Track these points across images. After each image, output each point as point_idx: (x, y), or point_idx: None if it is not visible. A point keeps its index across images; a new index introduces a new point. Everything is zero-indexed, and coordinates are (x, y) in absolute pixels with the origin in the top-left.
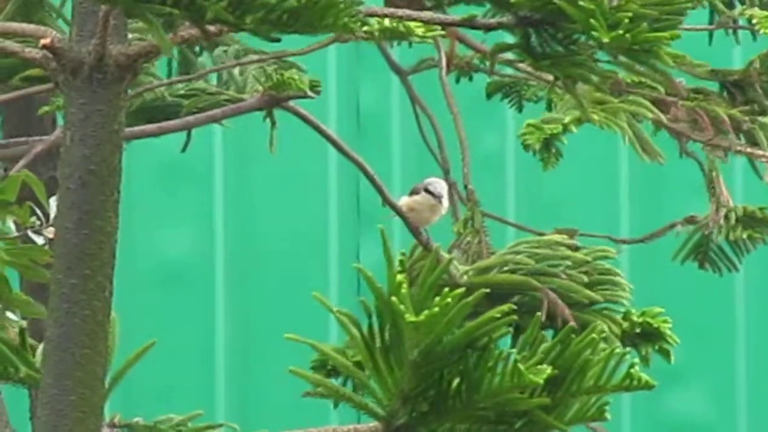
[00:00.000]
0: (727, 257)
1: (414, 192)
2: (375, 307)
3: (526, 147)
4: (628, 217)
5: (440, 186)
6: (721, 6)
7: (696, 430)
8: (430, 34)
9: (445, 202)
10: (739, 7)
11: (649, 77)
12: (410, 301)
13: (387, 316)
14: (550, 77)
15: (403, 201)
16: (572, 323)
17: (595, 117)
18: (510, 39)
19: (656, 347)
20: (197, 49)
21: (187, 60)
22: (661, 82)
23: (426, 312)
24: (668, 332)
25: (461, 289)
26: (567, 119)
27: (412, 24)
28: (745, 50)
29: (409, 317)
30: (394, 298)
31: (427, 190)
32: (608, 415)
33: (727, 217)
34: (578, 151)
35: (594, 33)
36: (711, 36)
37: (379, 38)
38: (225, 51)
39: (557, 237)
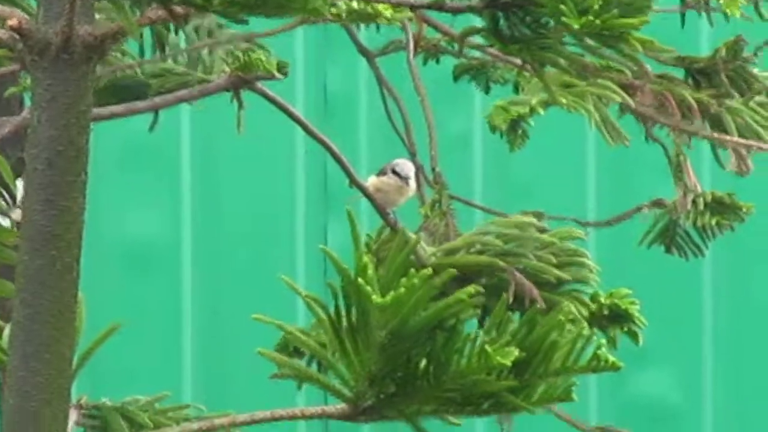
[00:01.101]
0: (694, 242)
1: (382, 172)
2: (341, 288)
3: (492, 128)
4: (594, 200)
5: (407, 167)
6: None
7: (662, 411)
8: (398, 16)
9: (412, 183)
10: None
11: (616, 61)
12: (377, 282)
13: (353, 297)
14: (518, 60)
15: (371, 181)
16: (540, 303)
17: (563, 100)
18: (478, 22)
19: (624, 329)
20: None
21: (161, 38)
22: (629, 66)
23: (392, 293)
24: (636, 314)
25: (428, 270)
26: (534, 101)
27: (380, 6)
28: (714, 35)
29: (376, 299)
30: (360, 280)
31: (394, 171)
32: (575, 397)
33: (695, 203)
34: (545, 134)
35: (563, 18)
36: (683, 18)
37: (347, 20)
38: (196, 29)
39: (525, 218)
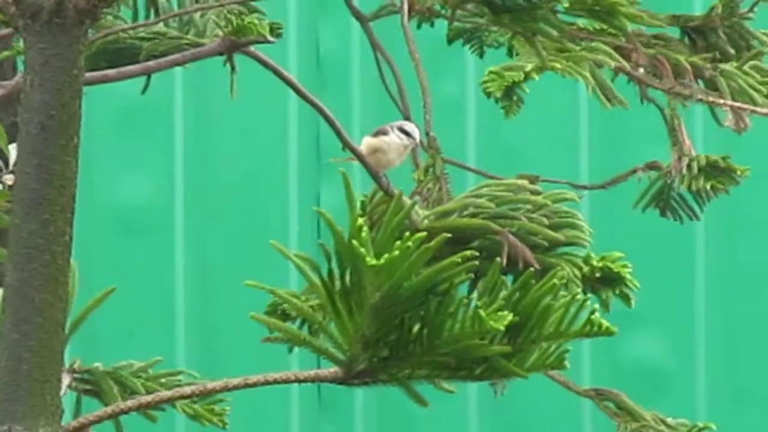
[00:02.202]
0: (689, 206)
1: (381, 132)
2: (335, 250)
3: (487, 94)
4: (587, 163)
5: (413, 128)
6: None
7: (655, 374)
8: None
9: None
10: None
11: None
12: (371, 244)
13: (347, 259)
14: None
15: (367, 142)
16: (534, 265)
17: (558, 65)
18: None
19: (616, 292)
20: None
21: (153, 2)
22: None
23: (387, 255)
24: (628, 276)
25: (422, 233)
26: (529, 67)
27: None
28: None
29: (370, 260)
30: (354, 242)
31: (403, 131)
32: (567, 364)
33: (689, 167)
34: (538, 98)
35: None
36: None
37: None
38: None
39: (518, 181)
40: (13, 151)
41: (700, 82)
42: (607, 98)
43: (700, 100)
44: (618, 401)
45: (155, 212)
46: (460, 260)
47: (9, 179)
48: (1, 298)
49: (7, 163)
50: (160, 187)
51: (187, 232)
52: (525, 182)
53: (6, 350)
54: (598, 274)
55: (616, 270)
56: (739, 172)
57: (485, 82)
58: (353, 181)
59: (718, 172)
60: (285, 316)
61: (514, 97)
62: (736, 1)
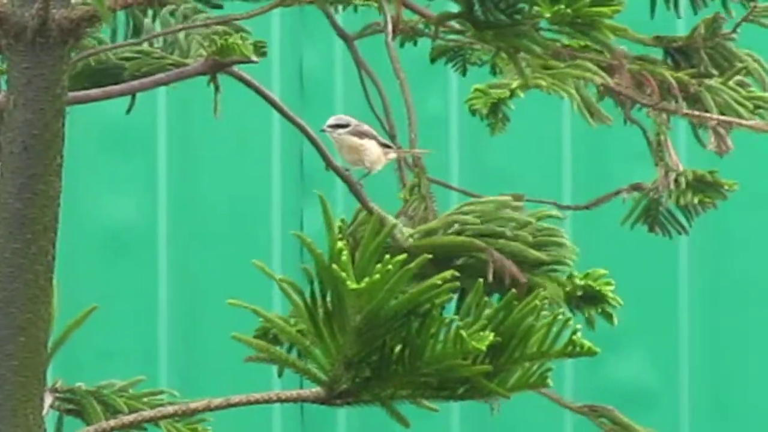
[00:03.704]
0: (677, 221)
1: (362, 134)
2: (317, 273)
3: (473, 112)
4: (570, 183)
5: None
6: None
7: (638, 395)
8: None
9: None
10: None
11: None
12: (352, 267)
13: (328, 283)
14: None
15: (352, 140)
16: (523, 281)
17: (542, 82)
18: (454, 6)
19: (599, 310)
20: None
21: (136, 21)
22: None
23: (367, 279)
24: (611, 295)
25: (403, 255)
26: (514, 84)
27: None
28: (689, 14)
29: (351, 284)
30: (334, 265)
31: (383, 145)
32: (550, 382)
33: (677, 181)
34: (522, 117)
35: (535, 8)
36: (653, 7)
37: (322, 3)
38: (172, 13)
39: (502, 198)
40: None
41: (685, 100)
42: (591, 115)
43: (686, 114)
44: (612, 417)
45: (139, 232)
46: (440, 282)
47: None
48: None
49: None
50: (143, 206)
51: (170, 252)
52: (509, 199)
53: None
54: (580, 293)
55: (598, 288)
56: (726, 187)
57: (471, 99)
58: (336, 200)
59: (705, 187)
60: (276, 340)
61: (500, 115)
62: (718, 23)
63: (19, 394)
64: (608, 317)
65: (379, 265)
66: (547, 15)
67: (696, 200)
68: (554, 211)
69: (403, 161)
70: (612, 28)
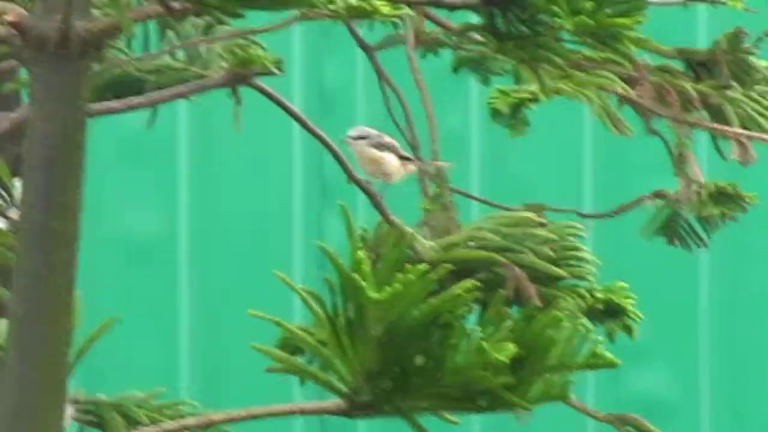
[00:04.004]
0: (696, 233)
1: (382, 146)
2: (338, 284)
3: (493, 113)
4: (591, 194)
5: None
6: None
7: (659, 407)
8: (396, 12)
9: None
10: None
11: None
12: (373, 277)
13: (349, 293)
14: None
15: (370, 151)
16: (536, 301)
17: (565, 87)
18: (476, 17)
19: (620, 323)
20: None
21: (172, 29)
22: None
23: (388, 288)
24: (631, 308)
25: (424, 265)
26: (536, 88)
27: (377, 2)
28: (711, 27)
29: (371, 294)
30: (355, 275)
31: (403, 157)
32: (571, 394)
33: (698, 194)
34: (542, 126)
35: (556, 19)
36: (684, 8)
37: (345, 17)
38: (193, 25)
39: (524, 214)
40: (17, 185)
41: (707, 111)
42: (613, 124)
43: (707, 126)
44: (639, 426)
45: (159, 243)
46: (461, 291)
47: (14, 213)
48: (4, 330)
49: (11, 198)
50: (164, 218)
51: (191, 263)
52: (531, 215)
53: (10, 382)
54: (601, 306)
55: (618, 302)
56: (747, 200)
57: (492, 99)
58: (357, 212)
59: (726, 199)
60: (299, 350)
61: (520, 116)
62: (740, 36)
63: (40, 405)
64: (628, 331)
65: (400, 276)
66: (569, 26)
67: (717, 213)
68: (577, 226)
69: (424, 172)
70: (634, 39)
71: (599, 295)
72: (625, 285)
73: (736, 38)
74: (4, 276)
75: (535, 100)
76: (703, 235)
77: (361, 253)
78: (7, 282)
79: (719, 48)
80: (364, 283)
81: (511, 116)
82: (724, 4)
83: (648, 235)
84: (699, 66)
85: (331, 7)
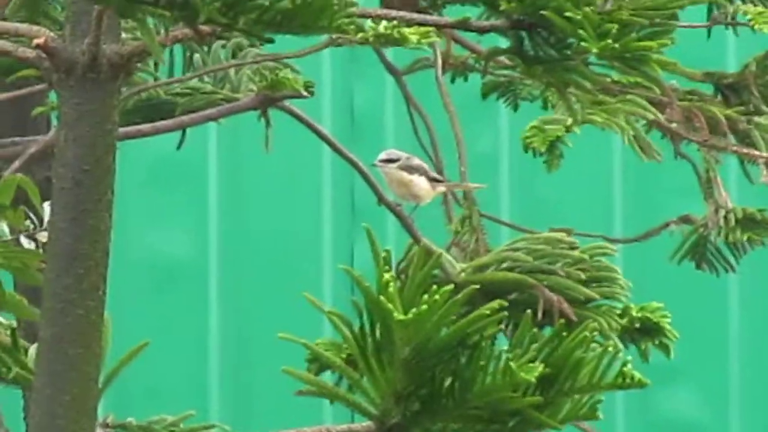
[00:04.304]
0: (725, 258)
1: (412, 168)
2: (365, 306)
3: (532, 150)
4: (621, 218)
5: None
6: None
7: (689, 429)
8: (424, 41)
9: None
10: (736, 3)
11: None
12: (399, 299)
13: (376, 315)
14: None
15: (400, 174)
16: (573, 318)
17: (597, 118)
18: (504, 41)
19: (656, 342)
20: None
21: (199, 54)
22: (652, 86)
23: (414, 310)
24: (668, 327)
25: (450, 286)
26: (569, 120)
27: (406, 30)
28: (740, 50)
29: (398, 315)
30: (382, 297)
31: (433, 179)
32: (600, 414)
33: (726, 219)
34: (572, 151)
35: (582, 43)
36: (709, 32)
37: (374, 44)
38: (223, 46)
39: (555, 234)
40: (47, 209)
41: (734, 136)
42: (642, 150)
43: (735, 151)
44: None
45: (189, 267)
46: (489, 312)
47: (43, 236)
48: (34, 354)
49: (41, 221)
50: (194, 241)
51: (220, 287)
52: (563, 235)
53: (40, 405)
54: (637, 325)
55: (655, 320)
56: None
57: (528, 137)
58: (388, 234)
59: (754, 225)
60: (328, 367)
61: (557, 152)
62: None
63: (71, 429)
64: (665, 349)
65: (426, 297)
66: (595, 50)
67: (745, 238)
68: (608, 246)
69: (451, 195)
70: (661, 62)
71: (635, 313)
72: (661, 305)
73: (766, 61)
74: (33, 297)
75: (569, 132)
76: (732, 260)
77: (387, 275)
78: (35, 302)
79: (749, 71)
80: (390, 305)
81: (548, 152)
82: (750, 27)
83: (677, 260)
84: (728, 89)
85: (361, 35)
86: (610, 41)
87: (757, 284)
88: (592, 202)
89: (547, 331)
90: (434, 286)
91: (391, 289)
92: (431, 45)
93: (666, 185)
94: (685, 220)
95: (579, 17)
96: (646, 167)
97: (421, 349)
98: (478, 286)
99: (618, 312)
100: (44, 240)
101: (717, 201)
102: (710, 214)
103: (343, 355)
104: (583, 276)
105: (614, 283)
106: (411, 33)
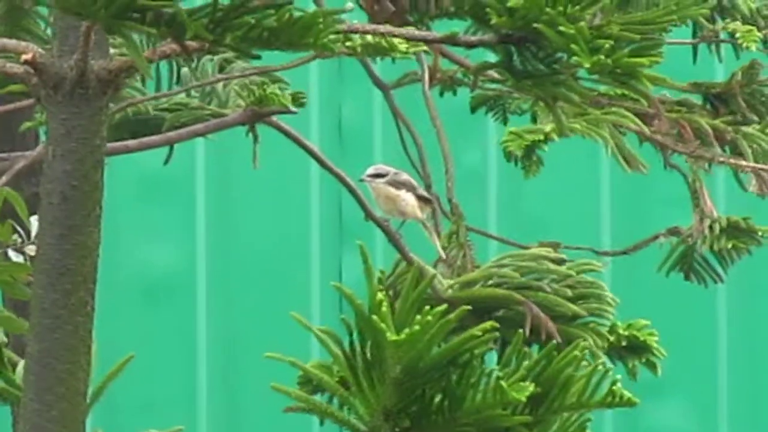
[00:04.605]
0: (712, 268)
1: (400, 184)
2: (356, 324)
3: (507, 154)
4: (609, 229)
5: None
6: (703, 21)
7: None
8: (412, 50)
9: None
10: (720, 22)
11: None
12: (391, 318)
13: (368, 334)
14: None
15: (387, 189)
16: (556, 337)
17: (577, 126)
18: (493, 55)
19: (643, 360)
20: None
21: (186, 68)
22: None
23: (407, 330)
24: (655, 345)
25: (443, 306)
26: (548, 128)
27: (395, 40)
28: (728, 62)
29: (391, 335)
30: (374, 317)
31: (420, 197)
32: None
33: (711, 228)
34: (559, 165)
35: (574, 58)
36: (695, 52)
37: (361, 54)
38: (210, 59)
39: (542, 250)
40: (34, 222)
41: (726, 148)
42: (627, 162)
43: (722, 162)
44: None
45: (177, 282)
46: (481, 332)
47: (31, 250)
48: (22, 369)
49: (28, 234)
50: (182, 256)
51: (209, 302)
52: (549, 252)
53: (28, 420)
54: (624, 343)
55: (642, 338)
56: (761, 233)
57: (505, 141)
58: (375, 250)
59: (739, 233)
60: (319, 387)
61: (534, 158)
62: (756, 69)
63: None
64: (652, 367)
65: (418, 317)
66: (587, 65)
67: (730, 245)
68: (595, 263)
69: (439, 209)
70: (651, 77)
71: (622, 331)
72: (648, 322)
73: (751, 70)
74: (20, 311)
75: (547, 140)
76: (719, 270)
77: (380, 295)
78: (23, 314)
79: (735, 81)
80: (382, 325)
81: (525, 158)
82: (735, 47)
83: (665, 271)
84: (716, 99)
85: (349, 44)
86: (602, 56)
87: (745, 296)
88: (580, 215)
89: (535, 348)
90: (426, 307)
91: (383, 309)
92: (419, 59)
93: (655, 196)
94: (674, 232)
95: (572, 32)
96: (635, 178)
97: (412, 368)
98: (470, 307)
99: (605, 330)
100: (32, 254)
101: (703, 210)
102: (696, 224)
103: (334, 377)
104: (569, 293)
105: (601, 299)
106: (399, 42)
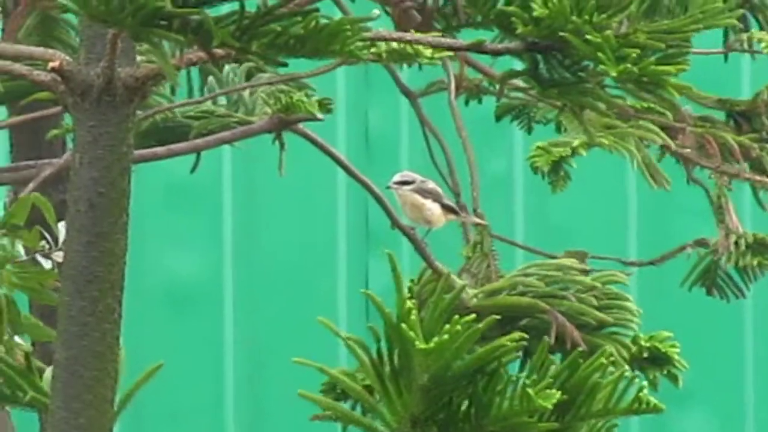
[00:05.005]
0: (735, 284)
1: (426, 192)
2: (384, 332)
3: (534, 169)
4: (635, 240)
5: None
6: (735, 22)
7: None
8: (438, 55)
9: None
10: (752, 30)
11: (657, 104)
12: (420, 327)
13: (397, 342)
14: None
15: (413, 197)
16: (581, 345)
17: (605, 141)
18: (519, 63)
19: (664, 372)
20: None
21: (213, 76)
22: (668, 110)
23: (436, 339)
24: (676, 357)
25: (471, 316)
26: (576, 142)
27: (420, 46)
28: (755, 76)
29: (419, 344)
30: (403, 325)
31: (446, 206)
32: None
33: (736, 244)
34: (586, 174)
35: (601, 66)
36: (726, 57)
37: (387, 60)
38: (236, 68)
39: (567, 260)
40: (62, 228)
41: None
42: (652, 178)
43: (747, 179)
44: None
45: (204, 289)
46: (508, 342)
47: (58, 256)
48: (50, 376)
49: (56, 241)
50: (208, 264)
51: (235, 309)
52: (574, 262)
53: (55, 428)
54: (645, 354)
55: (664, 350)
56: None
57: (532, 157)
58: (401, 258)
59: (765, 250)
60: (342, 394)
61: (561, 173)
62: None
63: None
64: (674, 379)
65: (447, 326)
66: (614, 73)
67: (755, 262)
68: (620, 275)
69: (467, 218)
70: (677, 86)
71: (644, 343)
72: (670, 334)
73: None
74: (47, 318)
75: (574, 154)
76: (742, 286)
77: (409, 304)
78: (49, 322)
79: (760, 99)
80: (411, 334)
81: (552, 173)
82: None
83: (688, 285)
84: (740, 116)
85: (374, 50)
86: (629, 65)
87: None
88: (606, 224)
89: (559, 357)
90: (455, 316)
91: (412, 318)
92: (445, 68)
93: (681, 209)
94: (701, 243)
95: (599, 40)
96: (661, 191)
97: (440, 376)
98: (498, 317)
99: (627, 341)
100: (60, 260)
101: (728, 226)
102: (721, 240)
103: (359, 385)
104: (595, 302)
105: (625, 310)
106: (424, 48)
